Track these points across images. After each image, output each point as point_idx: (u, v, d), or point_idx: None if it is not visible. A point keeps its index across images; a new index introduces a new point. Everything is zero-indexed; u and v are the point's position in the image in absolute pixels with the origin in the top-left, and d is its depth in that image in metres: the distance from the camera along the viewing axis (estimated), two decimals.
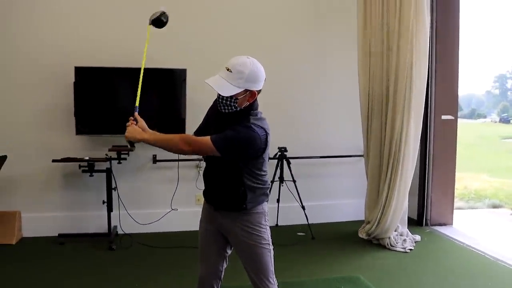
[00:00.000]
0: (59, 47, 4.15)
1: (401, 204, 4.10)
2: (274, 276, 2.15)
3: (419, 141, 4.12)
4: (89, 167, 3.96)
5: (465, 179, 7.85)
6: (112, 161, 4.06)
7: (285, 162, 4.36)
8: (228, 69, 1.94)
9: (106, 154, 4.04)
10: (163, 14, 2.34)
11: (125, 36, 4.13)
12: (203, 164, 2.24)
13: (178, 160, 4.27)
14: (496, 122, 26.53)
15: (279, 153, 4.36)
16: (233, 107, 1.99)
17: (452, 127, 4.70)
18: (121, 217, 4.21)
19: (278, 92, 4.38)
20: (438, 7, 4.49)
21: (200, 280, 2.26)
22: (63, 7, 4.16)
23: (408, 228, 4.28)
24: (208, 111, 2.24)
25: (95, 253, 3.84)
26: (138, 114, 2.18)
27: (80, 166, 3.98)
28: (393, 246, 4.04)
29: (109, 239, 4.00)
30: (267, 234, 2.13)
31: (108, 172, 4.05)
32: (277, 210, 4.53)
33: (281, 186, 4.44)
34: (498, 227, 5.22)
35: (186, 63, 4.23)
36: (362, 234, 4.36)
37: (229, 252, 2.25)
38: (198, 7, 4.44)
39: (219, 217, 2.15)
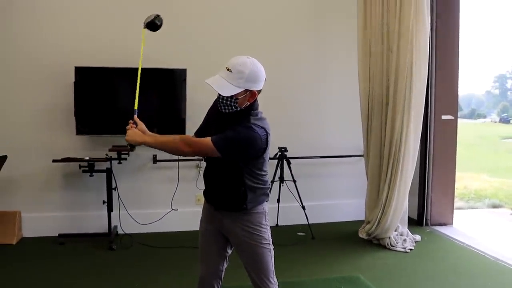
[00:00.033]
0: (59, 47, 4.15)
1: (401, 204, 4.10)
2: (275, 276, 2.15)
3: (419, 141, 4.12)
4: (89, 167, 3.96)
5: (465, 179, 7.85)
6: (112, 161, 4.06)
7: (285, 162, 4.36)
8: (228, 69, 1.94)
9: (106, 154, 4.04)
10: (157, 17, 2.35)
11: (125, 36, 4.13)
12: (203, 164, 2.25)
13: (178, 160, 4.27)
14: (496, 122, 26.55)
15: (279, 153, 4.36)
16: (233, 107, 1.99)
17: (452, 127, 4.70)
18: (121, 217, 4.21)
19: (278, 92, 4.38)
20: (438, 7, 4.49)
21: (200, 280, 2.26)
22: (63, 7, 4.16)
23: (408, 228, 4.28)
24: (208, 111, 2.24)
25: (95, 253, 3.84)
26: (137, 116, 2.20)
27: (80, 166, 3.98)
28: (393, 246, 4.04)
29: (109, 239, 4.00)
30: (268, 234, 2.13)
31: (108, 172, 4.05)
32: (277, 210, 4.53)
33: (281, 186, 4.44)
34: (498, 227, 5.22)
35: (186, 63, 4.23)
36: (362, 234, 4.36)
37: (230, 252, 2.25)
38: (198, 7, 4.44)
39: (220, 217, 2.15)
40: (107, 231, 4.09)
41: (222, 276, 2.26)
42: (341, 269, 3.60)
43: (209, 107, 2.24)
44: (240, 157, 2.01)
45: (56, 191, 4.27)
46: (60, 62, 4.12)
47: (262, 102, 2.11)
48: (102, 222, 4.16)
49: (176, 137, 2.15)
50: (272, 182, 4.19)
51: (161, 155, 4.27)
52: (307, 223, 4.36)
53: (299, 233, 4.44)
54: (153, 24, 2.33)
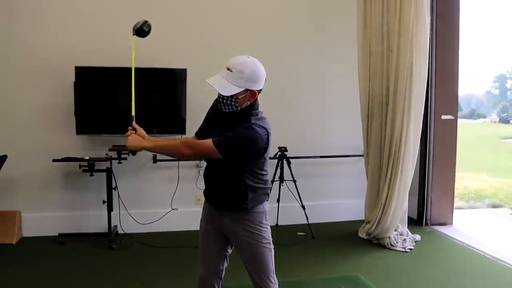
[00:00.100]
0: (60, 46, 4.15)
1: (401, 203, 4.10)
2: (275, 275, 2.15)
3: (419, 141, 4.12)
4: (89, 166, 3.96)
5: (465, 179, 7.86)
6: (113, 161, 4.06)
7: (285, 162, 4.36)
8: (228, 69, 1.94)
9: (106, 154, 4.04)
10: (145, 23, 2.36)
11: (126, 35, 4.09)
12: (203, 163, 2.25)
13: (178, 160, 4.27)
14: (495, 122, 26.56)
15: (279, 153, 4.36)
16: (233, 107, 1.99)
17: (452, 127, 4.70)
18: (121, 216, 4.21)
19: (278, 92, 4.38)
20: (438, 7, 4.49)
21: (200, 279, 2.26)
22: (63, 7, 4.16)
23: (408, 227, 4.28)
24: (208, 111, 2.24)
25: (95, 252, 3.84)
26: (136, 119, 2.22)
27: (80, 166, 3.98)
28: (393, 246, 4.04)
29: (109, 239, 4.00)
30: (268, 234, 2.13)
31: (108, 171, 4.05)
32: (277, 210, 4.53)
33: (281, 186, 4.44)
34: (498, 226, 5.23)
35: (186, 62, 4.23)
36: (362, 234, 4.36)
37: (230, 251, 2.25)
38: (198, 6, 4.44)
39: (220, 216, 2.15)
40: (107, 231, 4.09)
41: (223, 275, 2.26)
42: (341, 268, 3.61)
43: (209, 107, 2.24)
44: (242, 158, 2.01)
45: (56, 191, 4.27)
46: (60, 62, 4.12)
47: (262, 102, 2.11)
48: (102, 221, 4.17)
49: (176, 141, 2.15)
50: (272, 181, 4.19)
51: (161, 155, 4.27)
52: (307, 222, 4.36)
53: (299, 233, 4.45)
54: (141, 31, 2.35)
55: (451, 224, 4.76)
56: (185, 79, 4.20)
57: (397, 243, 4.07)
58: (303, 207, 4.34)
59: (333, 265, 3.69)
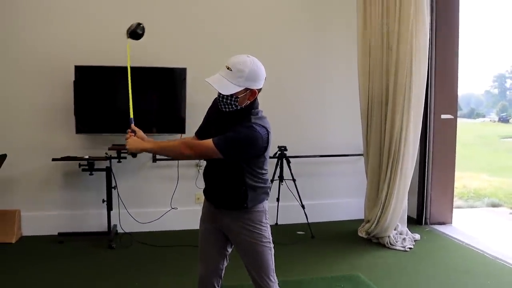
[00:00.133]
0: (59, 46, 4.15)
1: (401, 203, 4.11)
2: (275, 274, 2.15)
3: (419, 140, 4.13)
4: (89, 166, 3.96)
5: (464, 178, 7.86)
6: (112, 160, 4.06)
7: (284, 161, 4.36)
8: (228, 68, 1.94)
9: (106, 153, 4.04)
10: (138, 26, 2.37)
11: (125, 34, 4.12)
12: (203, 163, 2.25)
13: (178, 160, 4.27)
14: (495, 121, 26.59)
15: (278, 152, 4.36)
16: (233, 106, 1.99)
17: (451, 126, 4.70)
18: (121, 216, 4.21)
19: (278, 91, 4.39)
20: (438, 7, 4.49)
21: (200, 279, 2.26)
22: (63, 6, 4.15)
23: (407, 227, 4.28)
24: (208, 110, 2.24)
25: (95, 252, 3.84)
26: (135, 120, 2.23)
27: (80, 165, 3.97)
28: (392, 245, 4.05)
29: (109, 238, 4.00)
30: (268, 232, 2.13)
31: (108, 171, 4.05)
32: (277, 209, 4.53)
33: (280, 185, 4.45)
34: (497, 226, 5.23)
35: (186, 62, 4.23)
36: (361, 233, 4.36)
37: (230, 250, 2.25)
38: (198, 6, 4.44)
39: (220, 215, 2.15)
40: (107, 230, 4.09)
41: (222, 274, 2.26)
42: (341, 268, 3.61)
43: (208, 106, 2.24)
44: (242, 157, 2.01)
45: (56, 190, 4.27)
46: (60, 61, 4.12)
47: (261, 101, 2.11)
48: (102, 221, 4.17)
49: (176, 141, 2.15)
50: (272, 181, 4.19)
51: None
52: (306, 222, 4.36)
53: (299, 232, 4.45)
54: (135, 33, 2.37)
55: (451, 223, 4.77)
56: (184, 78, 4.20)
57: (396, 242, 4.07)
58: (303, 206, 4.34)
59: (332, 264, 3.69)
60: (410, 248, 4.03)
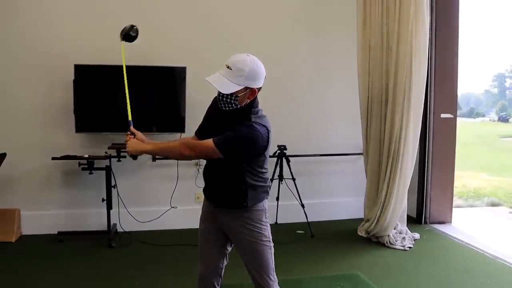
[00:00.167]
0: (59, 45, 4.14)
1: (400, 202, 4.11)
2: (275, 273, 2.15)
3: (418, 139, 4.13)
4: (89, 165, 3.96)
5: (464, 178, 7.87)
6: (112, 159, 4.06)
7: (284, 160, 4.37)
8: (228, 67, 1.94)
9: (106, 152, 4.04)
10: (132, 28, 2.39)
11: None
12: (202, 162, 2.25)
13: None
14: (494, 121, 26.61)
15: (278, 151, 4.36)
16: (233, 105, 1.99)
17: (451, 125, 4.70)
18: (120, 215, 4.21)
19: (278, 90, 4.38)
20: (437, 6, 4.49)
21: (200, 278, 2.26)
22: (62, 5, 4.15)
23: (407, 226, 4.29)
24: (208, 109, 2.23)
25: (95, 251, 3.84)
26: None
27: (79, 164, 3.97)
28: (392, 244, 4.05)
29: (109, 237, 3.99)
30: (268, 231, 2.13)
31: (108, 170, 4.05)
32: (277, 208, 4.53)
33: (280, 184, 4.45)
34: (496, 225, 5.23)
35: (186, 61, 4.23)
36: (361, 232, 4.37)
37: (229, 249, 2.25)
38: (198, 5, 4.44)
39: (220, 214, 2.15)
40: (107, 229, 4.09)
41: (222, 273, 2.26)
42: (340, 267, 3.61)
43: (208, 105, 2.24)
44: (243, 156, 2.01)
45: (56, 189, 4.27)
46: (59, 60, 4.12)
47: (261, 100, 2.10)
48: (102, 220, 4.17)
49: (176, 142, 2.15)
50: (272, 180, 4.19)
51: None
52: (306, 221, 4.36)
53: (298, 231, 4.45)
54: (129, 36, 2.38)
55: (450, 222, 4.77)
56: (184, 77, 4.19)
57: (396, 241, 4.07)
58: (303, 206, 4.35)
59: (332, 263, 3.69)
60: (409, 247, 4.03)
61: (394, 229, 4.15)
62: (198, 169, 4.41)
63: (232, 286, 2.84)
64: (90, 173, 4.01)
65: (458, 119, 4.82)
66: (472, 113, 29.12)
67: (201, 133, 2.20)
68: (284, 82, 4.57)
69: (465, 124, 19.48)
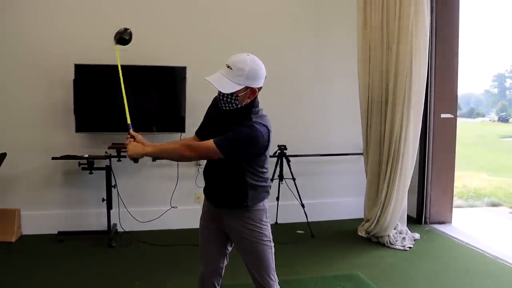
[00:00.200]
0: (59, 44, 4.14)
1: (401, 202, 4.11)
2: (275, 273, 2.16)
3: (419, 139, 4.13)
4: (89, 164, 3.96)
5: (464, 178, 7.86)
6: (112, 159, 4.05)
7: (284, 160, 4.36)
8: (228, 66, 1.94)
9: (106, 152, 4.04)
10: (125, 31, 2.39)
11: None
12: (203, 162, 2.25)
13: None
14: (494, 121, 26.59)
15: (278, 151, 4.36)
16: (233, 104, 1.99)
17: (451, 125, 4.70)
18: (120, 214, 4.21)
19: (278, 90, 4.38)
20: (438, 6, 4.49)
21: (200, 277, 2.26)
22: (63, 5, 4.15)
23: (407, 226, 4.28)
24: (208, 109, 2.23)
25: (95, 251, 3.84)
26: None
27: (79, 164, 3.97)
28: (392, 244, 4.05)
29: (109, 237, 3.99)
30: (268, 231, 2.14)
31: (108, 169, 4.05)
32: (277, 208, 4.53)
33: (280, 184, 4.45)
34: (497, 225, 5.23)
35: (186, 61, 4.23)
36: (361, 232, 4.37)
37: (230, 249, 2.25)
38: (198, 5, 4.44)
39: (220, 214, 2.15)
40: (107, 229, 4.09)
41: (222, 273, 2.27)
42: (341, 267, 3.61)
43: (208, 105, 2.24)
44: (244, 157, 2.01)
45: (56, 189, 4.27)
46: (59, 60, 4.12)
47: (261, 101, 2.10)
48: (102, 219, 4.17)
49: (177, 144, 2.15)
50: (272, 180, 4.19)
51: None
52: (306, 221, 4.36)
53: (299, 231, 4.45)
54: (122, 39, 2.38)
55: (450, 222, 4.77)
56: (184, 77, 4.19)
57: (396, 241, 4.07)
58: (303, 205, 4.35)
59: (332, 263, 3.69)
60: (409, 247, 4.03)
61: (394, 229, 4.15)
62: (198, 169, 4.41)
63: (232, 286, 2.84)
64: (90, 173, 4.01)
65: (458, 119, 4.81)
66: (472, 113, 29.10)
67: (201, 133, 2.20)
68: (284, 82, 4.57)
69: (465, 124, 19.45)
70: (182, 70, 4.19)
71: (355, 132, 4.63)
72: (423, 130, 4.45)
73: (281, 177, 4.42)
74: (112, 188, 4.07)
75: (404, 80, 3.93)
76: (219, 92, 1.99)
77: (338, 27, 4.73)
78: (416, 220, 4.76)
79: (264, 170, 2.11)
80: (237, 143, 1.95)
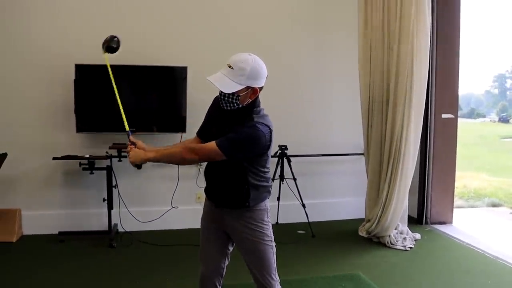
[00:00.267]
0: (60, 44, 4.14)
1: (401, 202, 4.11)
2: (277, 273, 2.15)
3: (419, 139, 4.13)
4: (90, 165, 3.96)
5: (464, 178, 7.86)
6: (113, 159, 4.05)
7: (285, 160, 4.36)
8: (229, 66, 1.94)
9: (107, 152, 4.04)
10: (112, 40, 2.39)
11: (126, 33, 4.09)
12: (203, 162, 2.24)
13: None
14: (495, 121, 26.56)
15: (279, 151, 4.36)
16: (235, 104, 1.99)
17: (452, 125, 4.70)
18: (121, 215, 4.21)
19: (279, 90, 4.38)
20: (439, 6, 4.49)
21: (201, 277, 2.26)
22: (63, 4, 4.15)
23: (408, 226, 4.28)
24: (209, 109, 2.23)
25: (96, 251, 3.84)
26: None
27: (80, 164, 3.97)
28: (393, 244, 4.05)
29: (110, 237, 3.99)
30: (270, 231, 2.14)
31: (109, 170, 4.04)
32: (278, 208, 4.53)
33: (281, 184, 4.44)
34: (497, 225, 5.23)
35: (187, 61, 4.23)
36: (362, 232, 4.37)
37: (231, 249, 2.25)
38: (199, 5, 4.44)
39: (221, 214, 2.15)
40: (107, 229, 4.09)
41: (224, 273, 2.26)
42: (341, 267, 3.61)
43: (209, 105, 2.23)
44: (246, 157, 2.01)
45: (56, 189, 4.27)
46: (60, 60, 4.11)
47: (261, 101, 2.10)
48: (103, 220, 4.17)
49: (178, 147, 2.14)
50: (273, 180, 4.18)
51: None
52: (307, 221, 4.36)
53: (299, 231, 4.45)
54: (110, 48, 2.38)
55: (451, 223, 4.77)
56: (185, 77, 4.19)
57: (397, 241, 4.07)
58: (303, 206, 4.34)
59: (333, 263, 3.69)
60: (410, 247, 4.03)
61: (395, 229, 4.15)
62: (199, 169, 4.41)
63: (234, 286, 2.84)
64: (91, 173, 4.01)
65: (459, 120, 4.81)
66: (472, 114, 29.06)
67: (202, 134, 2.20)
68: (285, 82, 4.57)
69: (466, 124, 19.43)
70: (183, 70, 4.19)
71: (356, 132, 4.63)
72: (424, 130, 4.45)
73: (282, 177, 4.42)
74: (113, 188, 4.07)
75: (405, 80, 3.92)
76: (220, 92, 1.99)
77: (338, 27, 4.73)
78: (417, 220, 4.76)
79: (266, 170, 2.11)
80: (239, 144, 1.95)
